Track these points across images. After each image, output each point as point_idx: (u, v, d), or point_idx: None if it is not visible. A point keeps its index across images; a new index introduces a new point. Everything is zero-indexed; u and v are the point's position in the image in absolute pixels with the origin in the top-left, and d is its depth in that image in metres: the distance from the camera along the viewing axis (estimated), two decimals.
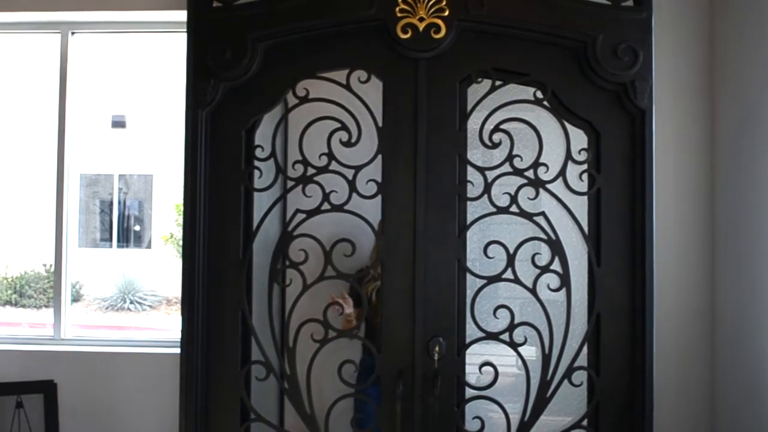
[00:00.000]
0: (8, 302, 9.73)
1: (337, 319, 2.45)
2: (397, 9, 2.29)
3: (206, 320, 2.37)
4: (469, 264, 2.34)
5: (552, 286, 2.32)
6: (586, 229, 2.35)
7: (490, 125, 2.33)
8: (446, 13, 2.28)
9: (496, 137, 2.32)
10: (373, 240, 2.48)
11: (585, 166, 2.34)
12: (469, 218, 2.34)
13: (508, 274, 2.31)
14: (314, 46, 2.38)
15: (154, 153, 11.05)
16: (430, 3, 2.28)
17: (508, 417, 2.31)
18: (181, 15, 2.46)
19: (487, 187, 2.32)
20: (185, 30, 2.40)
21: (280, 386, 2.43)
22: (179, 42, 2.58)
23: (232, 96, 2.38)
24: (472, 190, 2.34)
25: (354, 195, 2.34)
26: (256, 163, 2.40)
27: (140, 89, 10.70)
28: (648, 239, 2.28)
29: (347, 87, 2.34)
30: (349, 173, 2.34)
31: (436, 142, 2.32)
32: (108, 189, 11.60)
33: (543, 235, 2.33)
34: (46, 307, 9.23)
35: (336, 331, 2.41)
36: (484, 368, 2.32)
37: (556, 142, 2.37)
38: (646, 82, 2.28)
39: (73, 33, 3.19)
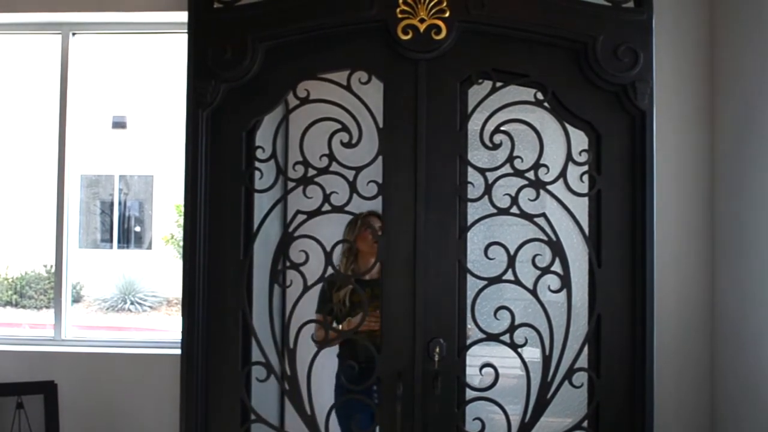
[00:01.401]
0: (9, 303, 9.74)
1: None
2: (398, 10, 2.29)
3: (207, 321, 2.37)
4: (469, 265, 2.33)
5: (553, 288, 2.32)
6: (586, 230, 2.35)
7: (490, 126, 2.33)
8: (447, 14, 2.28)
9: (497, 138, 2.32)
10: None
11: (585, 167, 2.34)
12: (470, 219, 2.34)
13: (509, 276, 2.31)
14: (315, 46, 2.38)
15: (155, 154, 11.05)
16: (431, 4, 2.28)
17: (508, 418, 2.31)
18: (182, 16, 2.47)
19: (488, 189, 2.32)
20: (186, 31, 2.40)
21: (281, 387, 2.43)
22: (180, 43, 2.58)
23: (233, 97, 2.38)
24: (473, 191, 2.34)
25: (354, 196, 2.34)
26: (257, 164, 2.40)
27: (141, 90, 10.70)
28: (648, 240, 2.28)
29: (348, 88, 2.34)
30: (350, 174, 2.34)
31: (437, 143, 2.32)
32: (108, 190, 11.61)
33: (544, 237, 2.33)
34: (47, 307, 9.23)
35: (336, 332, 2.41)
36: (485, 369, 2.31)
37: (556, 144, 2.37)
38: (647, 83, 2.28)
39: (73, 34, 3.20)
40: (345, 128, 2.34)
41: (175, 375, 2.40)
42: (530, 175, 2.33)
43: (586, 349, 2.34)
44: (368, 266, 2.52)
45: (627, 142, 2.32)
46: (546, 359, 2.31)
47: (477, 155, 2.40)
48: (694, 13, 2.89)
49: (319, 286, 2.42)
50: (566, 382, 2.32)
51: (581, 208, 2.35)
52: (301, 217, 2.36)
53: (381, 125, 2.34)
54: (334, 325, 2.60)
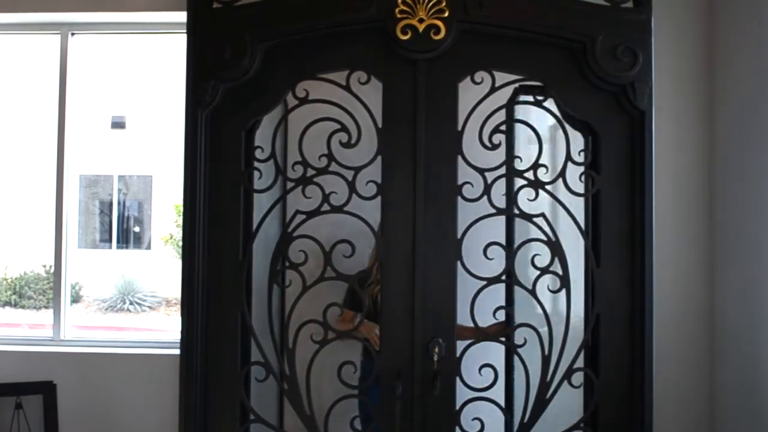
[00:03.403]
0: (8, 303, 9.73)
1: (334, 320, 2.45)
2: (397, 10, 2.29)
3: (206, 321, 2.37)
4: (468, 265, 2.33)
5: (551, 287, 2.32)
6: (585, 229, 2.34)
7: (489, 126, 2.33)
8: (446, 15, 2.28)
9: (496, 138, 2.32)
10: (372, 242, 2.48)
11: (584, 168, 2.34)
12: (469, 219, 2.34)
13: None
14: (314, 47, 2.38)
15: (154, 154, 11.05)
16: (430, 4, 2.28)
17: (507, 418, 2.30)
18: (181, 16, 2.47)
19: (487, 188, 2.32)
20: (185, 31, 2.40)
21: (280, 387, 2.43)
22: (179, 43, 2.58)
23: (232, 97, 2.38)
24: (472, 191, 2.33)
25: (354, 196, 2.34)
26: (256, 164, 2.40)
27: (140, 90, 10.70)
28: (647, 240, 2.28)
29: (347, 88, 2.34)
30: (349, 174, 2.34)
31: (436, 143, 2.32)
32: (108, 190, 11.60)
33: (542, 236, 2.33)
34: (46, 308, 9.22)
35: (335, 332, 2.41)
36: (484, 369, 2.31)
37: (555, 143, 2.37)
38: (646, 83, 2.28)
39: (72, 34, 3.20)
40: (344, 128, 2.34)
41: (175, 375, 2.40)
42: (529, 174, 2.33)
43: (584, 349, 2.34)
44: None
45: (626, 142, 2.32)
46: (545, 359, 2.31)
47: (476, 155, 2.40)
48: (693, 13, 2.90)
49: (319, 285, 2.42)
50: (565, 382, 2.32)
51: (580, 207, 2.35)
52: (300, 217, 2.36)
53: (380, 125, 2.34)
54: (357, 319, 2.63)
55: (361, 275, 2.72)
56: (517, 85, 2.39)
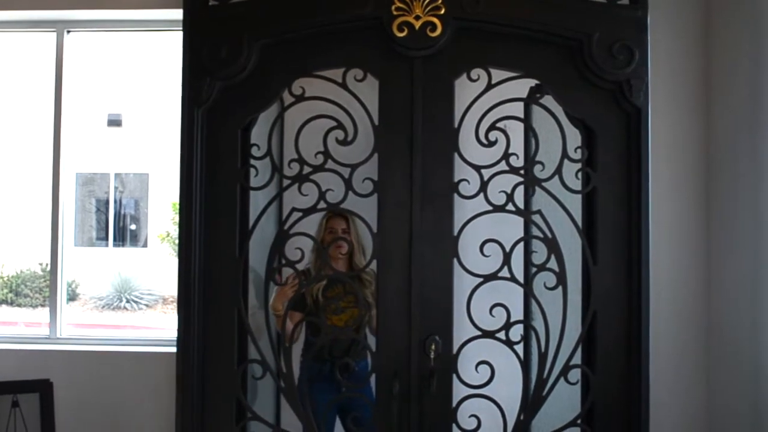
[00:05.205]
0: (4, 301, 9.72)
1: None
2: (393, 7, 2.28)
3: (202, 319, 2.37)
4: (464, 262, 2.33)
5: (548, 285, 2.32)
6: (582, 227, 2.35)
7: (486, 123, 2.33)
8: (442, 12, 2.28)
9: (492, 135, 2.32)
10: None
11: (581, 165, 2.34)
12: (466, 216, 2.34)
13: (504, 272, 2.31)
14: (310, 44, 2.37)
15: (150, 151, 11.04)
16: (426, 1, 2.28)
17: (504, 415, 2.31)
18: (177, 13, 2.46)
19: (483, 186, 2.32)
20: (181, 28, 2.40)
21: (277, 385, 2.43)
22: (175, 40, 2.58)
23: (228, 94, 2.37)
24: (468, 189, 2.34)
25: (350, 193, 2.33)
26: (252, 161, 2.40)
27: (136, 88, 10.68)
28: (644, 237, 2.28)
29: (343, 85, 2.34)
30: (345, 171, 2.33)
31: (432, 140, 2.32)
32: (104, 188, 11.59)
33: (539, 234, 2.33)
34: (42, 306, 9.21)
35: (334, 330, 2.41)
36: (480, 366, 2.31)
37: (552, 141, 2.37)
38: (642, 80, 2.28)
39: (68, 31, 3.18)
40: (340, 126, 2.33)
41: (171, 373, 2.40)
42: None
43: (581, 346, 2.34)
44: (336, 264, 2.64)
45: (622, 139, 2.32)
46: (542, 356, 2.31)
47: (472, 152, 2.40)
48: (690, 10, 2.89)
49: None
50: (562, 379, 2.32)
51: (577, 204, 2.36)
52: (296, 215, 2.36)
53: (376, 122, 2.34)
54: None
55: (304, 274, 2.52)
56: (533, 84, 2.40)
